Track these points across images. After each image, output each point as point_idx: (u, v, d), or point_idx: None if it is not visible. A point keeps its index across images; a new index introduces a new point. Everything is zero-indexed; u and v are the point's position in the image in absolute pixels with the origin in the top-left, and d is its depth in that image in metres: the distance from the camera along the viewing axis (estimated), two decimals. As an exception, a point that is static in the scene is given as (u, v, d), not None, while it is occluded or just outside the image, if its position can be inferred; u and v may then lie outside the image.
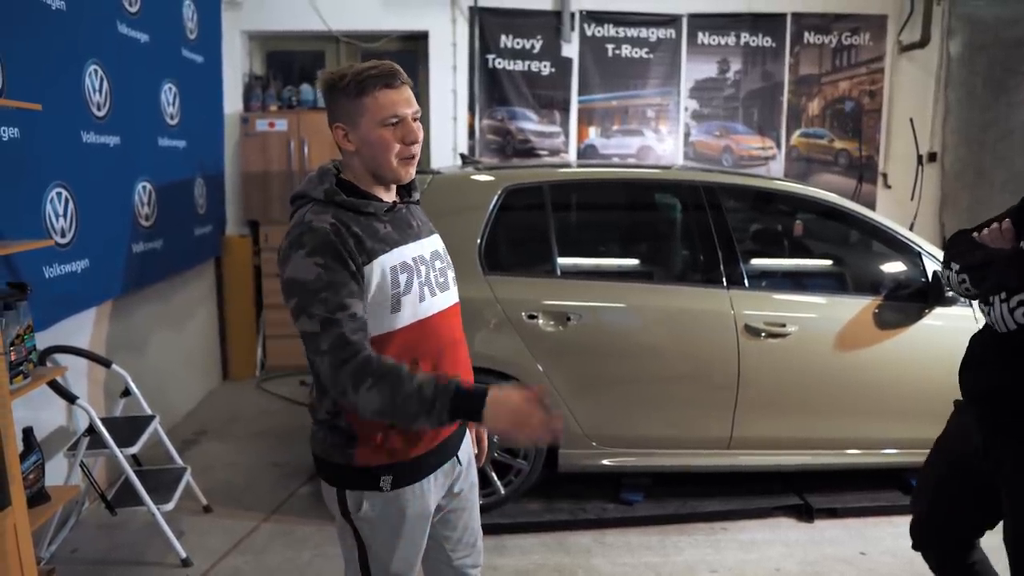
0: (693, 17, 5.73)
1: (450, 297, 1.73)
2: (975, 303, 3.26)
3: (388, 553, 1.68)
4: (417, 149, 1.61)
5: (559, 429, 1.45)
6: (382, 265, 1.55)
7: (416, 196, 1.75)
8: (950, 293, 3.23)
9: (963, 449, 1.92)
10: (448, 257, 1.78)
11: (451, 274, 1.77)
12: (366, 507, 1.63)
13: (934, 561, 2.14)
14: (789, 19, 5.80)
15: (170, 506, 3.06)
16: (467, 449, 1.85)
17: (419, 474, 1.66)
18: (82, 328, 3.43)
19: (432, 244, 1.73)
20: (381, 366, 1.46)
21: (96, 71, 3.35)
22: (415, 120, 1.60)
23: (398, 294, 1.57)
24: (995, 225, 1.82)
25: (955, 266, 1.79)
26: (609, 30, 5.70)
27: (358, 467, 1.61)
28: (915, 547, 2.18)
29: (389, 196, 1.67)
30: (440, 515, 1.80)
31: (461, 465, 1.79)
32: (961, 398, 2.02)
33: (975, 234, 1.88)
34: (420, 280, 1.63)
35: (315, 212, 1.56)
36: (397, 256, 1.59)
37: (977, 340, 1.94)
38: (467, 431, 1.86)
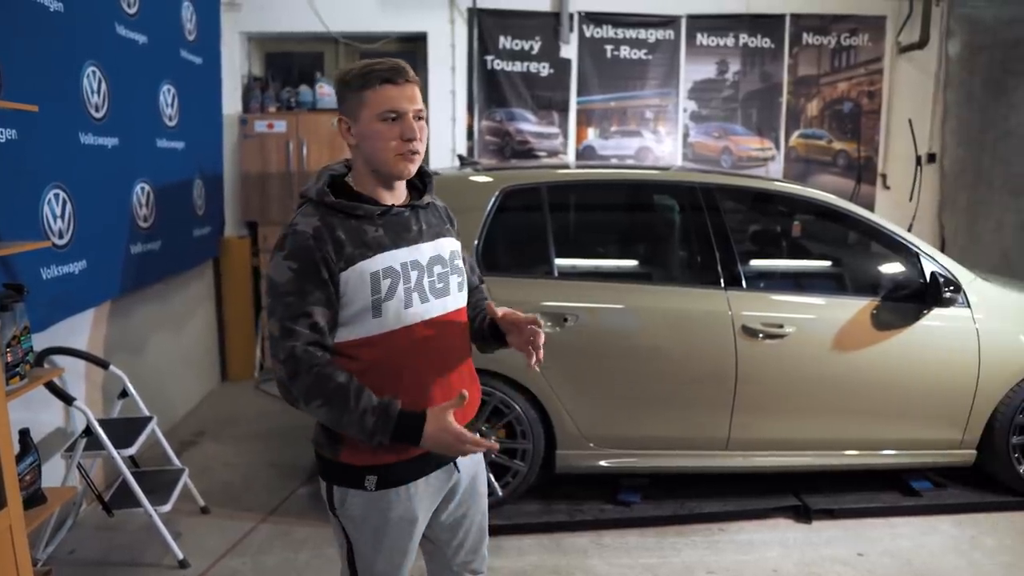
0: (692, 18, 5.73)
1: (449, 303, 1.69)
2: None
3: (372, 552, 1.68)
4: (417, 147, 1.59)
5: (486, 448, 1.58)
6: (361, 271, 1.56)
7: (427, 199, 1.72)
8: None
9: None
10: (456, 262, 1.74)
11: (456, 279, 1.72)
12: (350, 504, 1.66)
13: None
14: (788, 20, 5.80)
15: (167, 507, 3.06)
16: (473, 457, 1.79)
17: (405, 478, 1.65)
18: (80, 329, 3.44)
19: (435, 248, 1.69)
20: (330, 387, 1.53)
21: (94, 72, 3.35)
22: (418, 119, 1.60)
23: (379, 299, 1.57)
24: None
25: None
26: (608, 31, 5.70)
27: (343, 464, 1.64)
28: None
29: (392, 198, 1.65)
30: (439, 521, 1.79)
31: (459, 472, 1.75)
32: None
33: None
34: (407, 286, 1.60)
35: (305, 213, 1.60)
36: (381, 261, 1.58)
37: None
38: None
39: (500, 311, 1.74)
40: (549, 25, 5.64)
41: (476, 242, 3.24)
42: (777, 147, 5.93)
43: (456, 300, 1.72)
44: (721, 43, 5.79)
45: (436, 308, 1.66)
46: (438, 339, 1.66)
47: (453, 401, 1.55)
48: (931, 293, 3.27)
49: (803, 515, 3.40)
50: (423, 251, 1.66)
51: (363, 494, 1.64)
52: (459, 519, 1.82)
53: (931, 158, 6.05)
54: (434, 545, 1.85)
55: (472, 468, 1.81)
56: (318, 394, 1.53)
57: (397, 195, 1.67)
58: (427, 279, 1.65)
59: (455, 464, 1.73)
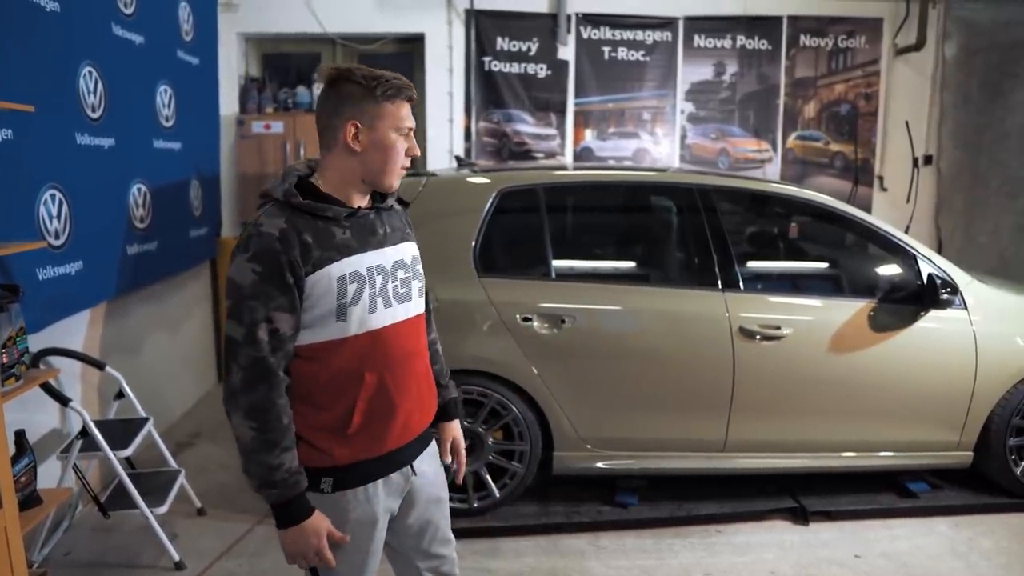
0: (689, 19, 5.74)
1: (409, 309, 1.70)
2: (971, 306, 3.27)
3: (333, 555, 1.66)
4: (409, 163, 1.68)
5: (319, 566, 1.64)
6: (329, 275, 1.54)
7: (390, 202, 1.72)
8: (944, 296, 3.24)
9: None
10: (417, 267, 1.75)
11: (417, 284, 1.73)
12: None
13: None
14: (785, 22, 5.82)
15: (164, 509, 3.05)
16: (427, 460, 1.81)
17: (363, 479, 1.65)
18: (76, 330, 3.43)
19: (398, 253, 1.69)
20: (272, 422, 1.53)
21: (91, 73, 3.34)
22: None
23: (344, 304, 1.56)
24: None
25: None
26: (605, 32, 5.71)
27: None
28: None
29: (360, 201, 1.65)
30: (402, 526, 1.79)
31: (416, 476, 1.75)
32: None
33: None
34: (372, 291, 1.60)
35: (270, 215, 1.55)
36: (347, 265, 1.57)
37: None
38: (431, 443, 1.84)
39: (449, 434, 1.95)
40: (547, 26, 5.64)
41: (473, 243, 3.24)
42: (774, 149, 5.94)
43: (417, 306, 1.73)
44: (718, 45, 5.80)
45: (398, 313, 1.66)
46: (399, 344, 1.67)
47: (339, 536, 1.62)
48: (928, 295, 3.27)
49: (800, 517, 3.40)
50: (387, 255, 1.66)
51: (319, 496, 1.62)
52: (422, 524, 1.81)
53: (928, 160, 6.07)
54: (397, 552, 1.84)
55: (432, 475, 1.82)
56: (259, 419, 1.52)
57: (364, 199, 1.68)
58: (391, 284, 1.65)
59: (411, 467, 1.74)
